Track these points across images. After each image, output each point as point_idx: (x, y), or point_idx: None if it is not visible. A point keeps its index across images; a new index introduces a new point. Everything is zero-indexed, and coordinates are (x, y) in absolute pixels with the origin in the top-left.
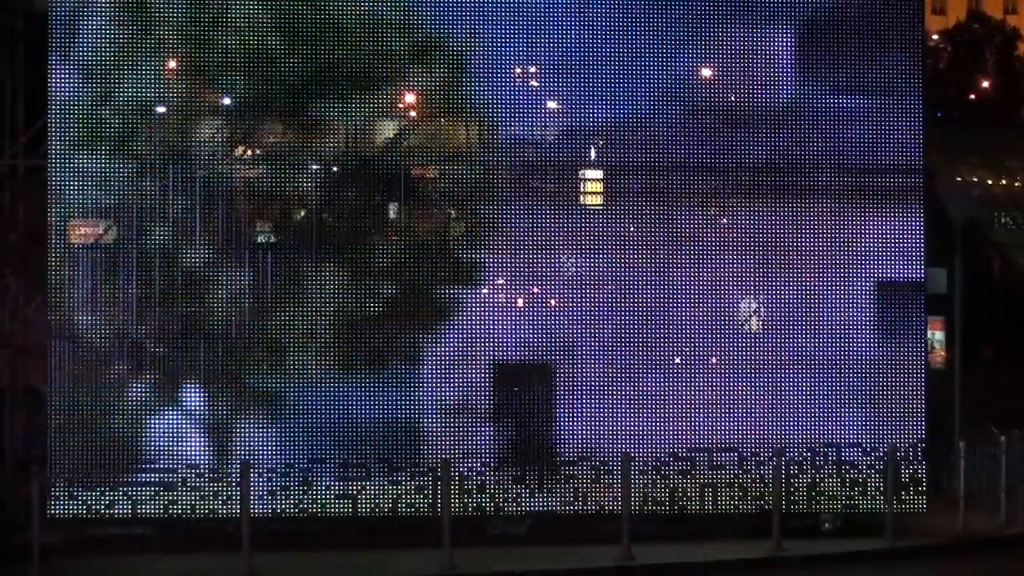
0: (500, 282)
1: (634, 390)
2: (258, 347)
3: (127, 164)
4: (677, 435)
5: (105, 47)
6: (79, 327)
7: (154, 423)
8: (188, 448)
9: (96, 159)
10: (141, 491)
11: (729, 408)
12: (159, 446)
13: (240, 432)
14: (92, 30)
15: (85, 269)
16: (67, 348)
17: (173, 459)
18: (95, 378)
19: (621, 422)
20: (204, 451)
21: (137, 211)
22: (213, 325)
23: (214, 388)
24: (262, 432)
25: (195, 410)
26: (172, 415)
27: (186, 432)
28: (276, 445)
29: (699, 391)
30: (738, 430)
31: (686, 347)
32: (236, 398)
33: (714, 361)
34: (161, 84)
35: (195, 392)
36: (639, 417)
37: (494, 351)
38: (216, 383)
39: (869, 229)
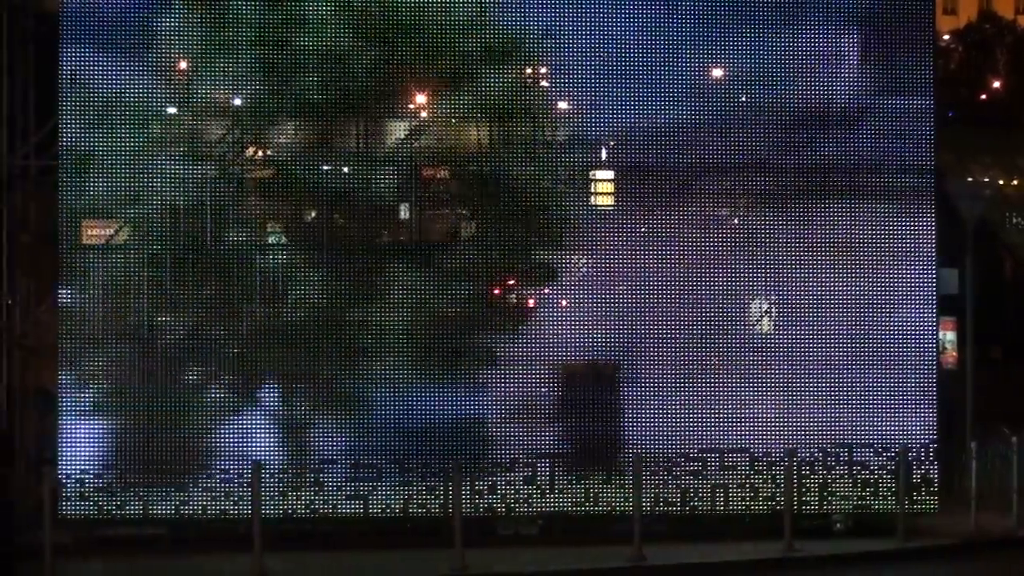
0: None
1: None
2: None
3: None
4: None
5: (119, 46)
6: (94, 326)
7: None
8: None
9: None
10: (153, 492)
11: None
12: (175, 447)
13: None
14: (105, 29)
15: (98, 269)
16: (81, 348)
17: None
18: (112, 379)
19: (684, 420)
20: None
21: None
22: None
23: (290, 387)
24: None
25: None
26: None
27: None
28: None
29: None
30: (758, 430)
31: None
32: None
33: (726, 360)
34: (174, 82)
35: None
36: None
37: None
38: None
39: (880, 229)
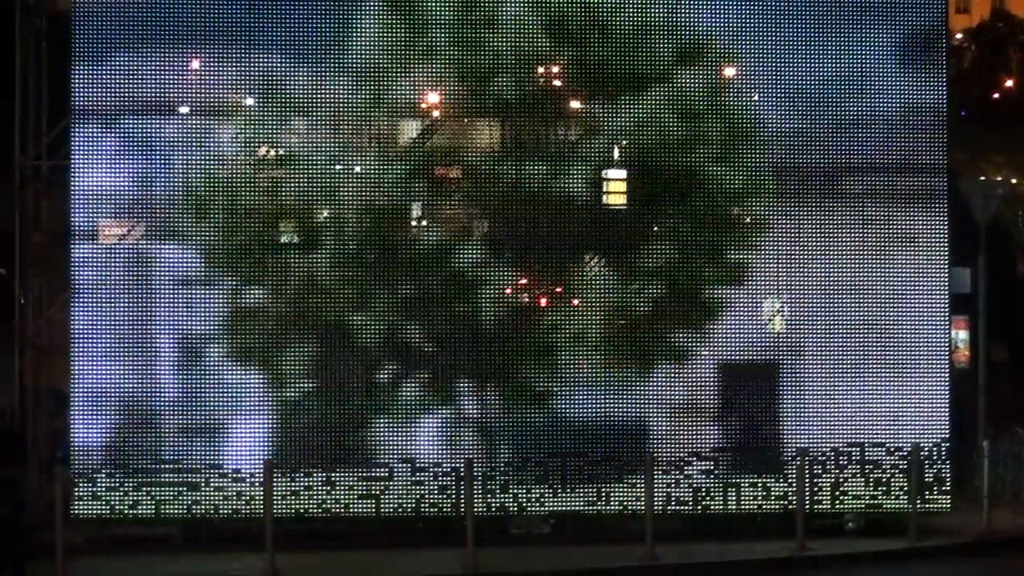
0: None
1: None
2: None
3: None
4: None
5: (130, 46)
6: (104, 324)
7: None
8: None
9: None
10: (164, 491)
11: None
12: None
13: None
14: (117, 29)
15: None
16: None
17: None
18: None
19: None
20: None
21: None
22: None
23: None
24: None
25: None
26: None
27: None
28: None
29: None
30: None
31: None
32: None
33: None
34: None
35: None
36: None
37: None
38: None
39: (893, 228)
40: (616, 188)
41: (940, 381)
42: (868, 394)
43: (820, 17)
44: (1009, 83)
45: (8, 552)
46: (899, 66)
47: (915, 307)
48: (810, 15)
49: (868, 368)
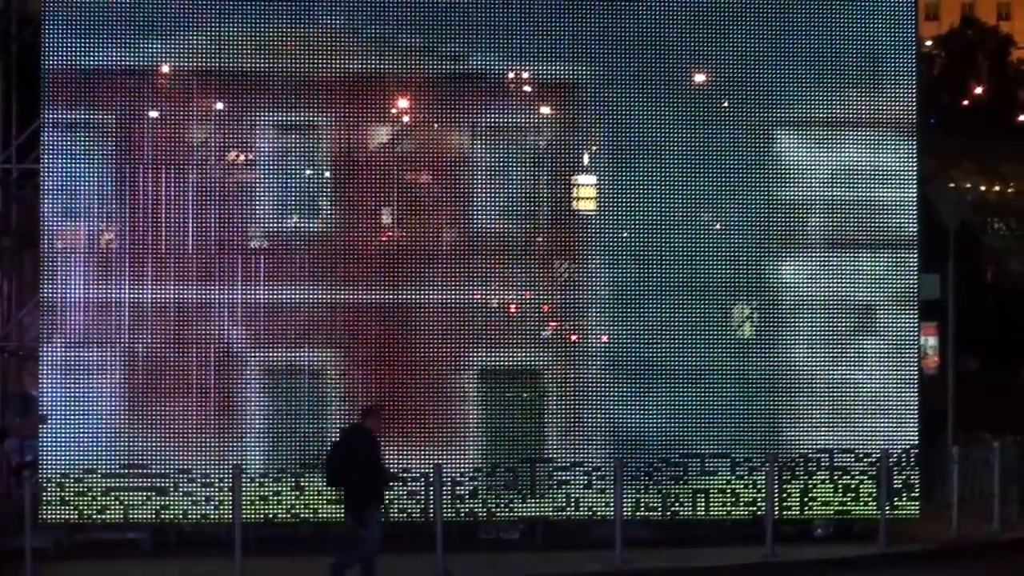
0: None
1: None
2: None
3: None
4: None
5: (101, 48)
6: (72, 330)
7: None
8: None
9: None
10: (133, 496)
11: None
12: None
13: None
14: (88, 32)
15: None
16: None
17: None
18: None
19: None
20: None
21: None
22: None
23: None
24: None
25: None
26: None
27: None
28: None
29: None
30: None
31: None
32: None
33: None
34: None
35: None
36: None
37: None
38: None
39: (863, 234)
40: None
41: (909, 387)
42: (837, 400)
43: (794, 24)
44: (978, 90)
45: None
46: (869, 73)
47: (885, 313)
48: (785, 22)
49: (837, 374)
